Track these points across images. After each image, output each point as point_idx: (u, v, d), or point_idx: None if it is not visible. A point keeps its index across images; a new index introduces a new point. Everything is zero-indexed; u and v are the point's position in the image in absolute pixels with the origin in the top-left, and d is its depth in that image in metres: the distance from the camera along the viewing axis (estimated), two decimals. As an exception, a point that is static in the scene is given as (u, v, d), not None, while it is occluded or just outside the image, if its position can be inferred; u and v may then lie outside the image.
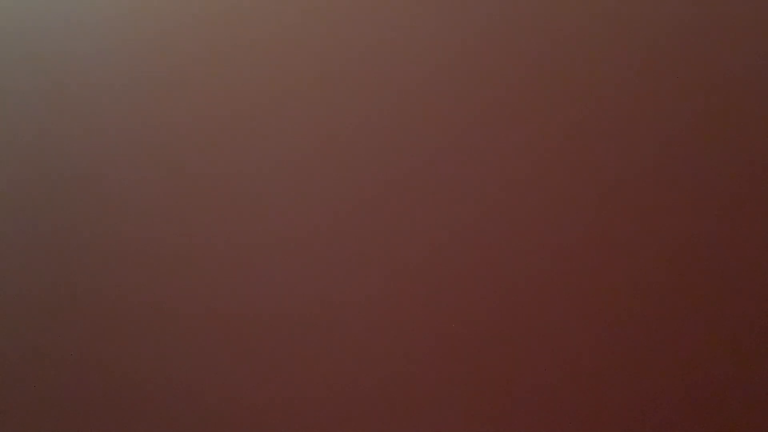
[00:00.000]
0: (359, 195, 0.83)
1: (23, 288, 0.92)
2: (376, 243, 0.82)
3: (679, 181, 0.75)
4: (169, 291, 0.87)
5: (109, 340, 0.88)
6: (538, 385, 0.77)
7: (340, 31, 0.85)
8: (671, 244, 0.75)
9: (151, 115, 0.90)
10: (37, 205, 0.93)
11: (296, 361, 0.83)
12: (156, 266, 0.88)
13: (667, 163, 0.76)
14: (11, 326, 0.91)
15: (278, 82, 0.87)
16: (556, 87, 0.79)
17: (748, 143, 0.74)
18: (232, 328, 0.85)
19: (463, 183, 0.80)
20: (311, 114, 0.85)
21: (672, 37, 0.76)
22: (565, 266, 0.77)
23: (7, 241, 0.93)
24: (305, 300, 0.84)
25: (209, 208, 0.87)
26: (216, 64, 0.89)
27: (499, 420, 0.77)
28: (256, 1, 0.88)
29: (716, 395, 0.73)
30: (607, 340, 0.75)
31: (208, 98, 0.89)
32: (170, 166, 0.89)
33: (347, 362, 0.82)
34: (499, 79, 0.80)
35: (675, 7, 0.77)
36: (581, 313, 0.76)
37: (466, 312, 0.79)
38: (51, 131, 0.93)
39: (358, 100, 0.84)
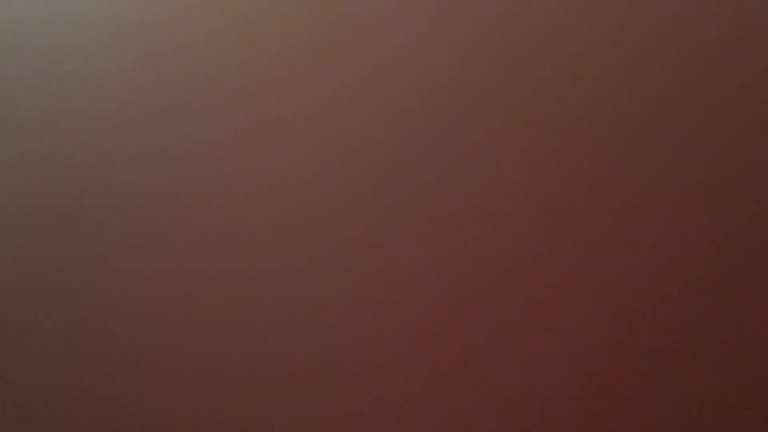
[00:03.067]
0: (367, 208, 0.83)
1: (23, 289, 0.92)
2: (387, 255, 0.82)
3: (690, 188, 0.75)
4: (173, 299, 0.88)
5: (110, 346, 0.88)
6: (548, 396, 0.76)
7: (350, 39, 0.86)
8: (684, 251, 0.75)
9: (157, 124, 0.91)
10: (40, 211, 0.93)
11: (310, 369, 0.83)
12: (160, 276, 0.88)
13: (678, 170, 0.76)
14: (11, 327, 0.91)
15: (286, 94, 0.87)
16: (567, 94, 0.79)
17: (754, 145, 0.74)
18: (239, 341, 0.85)
19: (472, 195, 0.80)
20: (323, 124, 0.86)
21: (682, 40, 0.77)
22: (575, 275, 0.77)
23: (8, 245, 0.93)
24: (315, 313, 0.84)
25: (216, 218, 0.88)
26: (226, 78, 0.89)
27: (517, 427, 0.77)
28: (266, 11, 0.89)
29: (719, 397, 0.72)
30: (620, 349, 0.75)
31: (216, 109, 0.89)
32: (177, 175, 0.89)
33: (355, 379, 0.82)
34: (510, 87, 0.81)
35: (684, 9, 0.77)
36: (593, 322, 0.76)
37: (477, 323, 0.79)
38: (55, 138, 0.94)
39: (365, 112, 0.84)
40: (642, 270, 0.75)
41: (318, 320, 0.83)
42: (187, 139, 0.90)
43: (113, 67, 0.93)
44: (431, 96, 0.82)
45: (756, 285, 0.72)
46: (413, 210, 0.82)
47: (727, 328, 0.73)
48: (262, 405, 0.84)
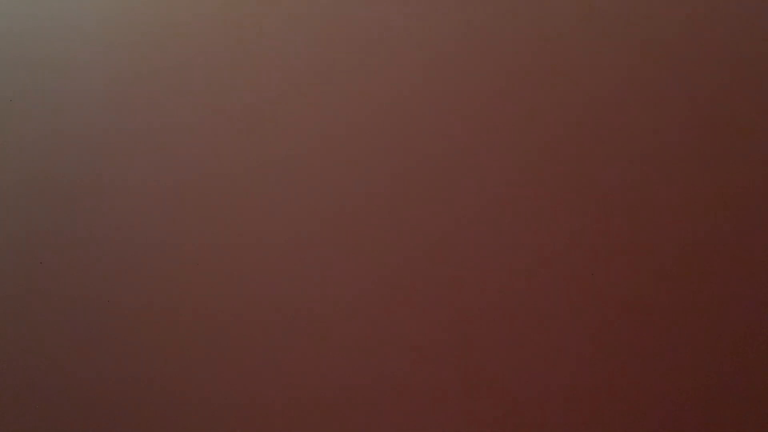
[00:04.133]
0: (356, 195, 0.83)
1: (22, 289, 0.92)
2: (373, 242, 0.82)
3: (678, 181, 0.75)
4: (168, 291, 0.87)
5: (109, 341, 0.88)
6: (534, 384, 0.77)
7: (336, 30, 0.85)
8: (670, 243, 0.75)
9: (149, 115, 0.90)
10: (37, 207, 0.92)
11: (294, 359, 0.83)
12: (155, 266, 0.88)
13: (665, 163, 0.76)
14: (10, 327, 0.91)
15: (275, 82, 0.87)
16: (553, 86, 0.79)
17: (748, 143, 0.74)
18: (231, 326, 0.85)
19: (459, 183, 0.80)
20: (309, 113, 0.85)
21: (671, 36, 0.76)
22: (561, 266, 0.77)
23: (7, 243, 0.93)
24: (304, 298, 0.84)
25: (208, 208, 0.87)
26: (214, 64, 0.89)
27: (496, 419, 0.77)
28: (253, 1, 0.88)
29: (716, 396, 0.73)
30: (604, 340, 0.75)
31: (206, 99, 0.89)
32: (169, 166, 0.89)
33: (343, 360, 0.82)
34: (498, 78, 0.80)
35: (673, 6, 0.77)
36: (578, 313, 0.76)
37: (463, 311, 0.79)
38: (50, 133, 0.93)
39: (354, 100, 0.84)
40: (630, 266, 0.75)
41: (305, 312, 0.83)
42: (178, 124, 0.89)
43: (102, 55, 0.93)
44: (423, 90, 0.82)
45: (754, 282, 0.73)
46: (404, 202, 0.81)
47: (724, 326, 0.73)
48: (245, 379, 0.84)
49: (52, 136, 0.93)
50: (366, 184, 0.82)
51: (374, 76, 0.84)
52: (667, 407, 0.73)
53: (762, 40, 0.74)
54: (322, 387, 0.82)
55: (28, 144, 0.94)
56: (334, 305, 0.82)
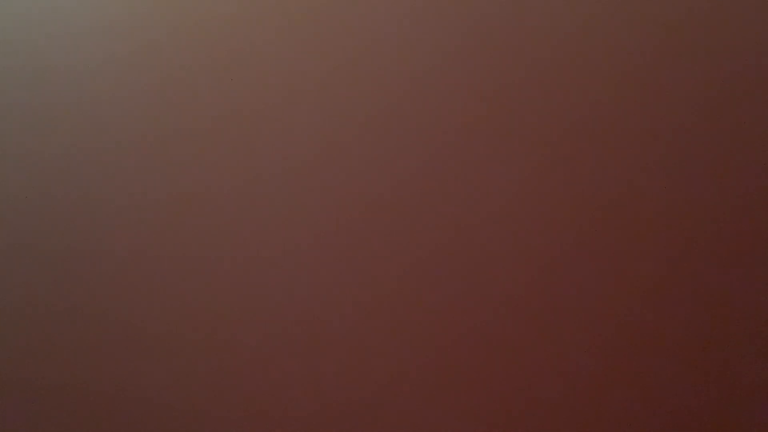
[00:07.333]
0: (359, 199, 0.83)
1: (22, 297, 0.92)
2: (377, 246, 0.82)
3: (680, 183, 0.75)
4: (170, 298, 0.87)
5: (110, 347, 0.88)
6: (539, 389, 0.77)
7: (338, 33, 0.86)
8: (672, 246, 0.75)
9: (150, 122, 0.90)
10: (37, 215, 0.93)
11: (298, 365, 0.83)
12: (157, 273, 0.88)
13: (667, 165, 0.76)
14: (10, 332, 0.91)
15: (276, 87, 0.87)
16: (556, 88, 0.79)
17: (748, 143, 0.74)
18: (236, 333, 0.85)
19: (463, 187, 0.80)
20: (311, 118, 0.86)
21: (672, 37, 0.76)
22: (565, 268, 0.77)
23: (7, 249, 0.93)
24: (307, 305, 0.84)
25: (211, 214, 0.87)
26: (215, 70, 0.89)
27: (502, 423, 0.77)
28: (254, 5, 0.88)
29: (716, 395, 0.73)
30: (608, 343, 0.75)
31: (208, 105, 0.89)
32: (171, 173, 0.89)
33: (347, 366, 0.82)
34: (501, 80, 0.80)
35: (675, 6, 0.77)
36: (583, 317, 0.76)
37: (468, 315, 0.79)
38: (51, 140, 0.94)
39: (357, 104, 0.84)
40: (630, 271, 0.75)
41: (312, 312, 0.83)
42: (178, 130, 0.89)
43: (102, 60, 0.93)
44: (431, 93, 0.82)
45: (752, 283, 0.73)
46: (401, 206, 0.81)
47: (724, 327, 0.73)
48: (255, 395, 0.84)
49: (53, 145, 0.93)
50: (373, 189, 0.83)
51: (379, 80, 0.84)
52: (672, 408, 0.73)
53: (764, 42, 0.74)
54: (326, 394, 0.82)
55: (29, 154, 0.94)
56: (338, 311, 0.82)
